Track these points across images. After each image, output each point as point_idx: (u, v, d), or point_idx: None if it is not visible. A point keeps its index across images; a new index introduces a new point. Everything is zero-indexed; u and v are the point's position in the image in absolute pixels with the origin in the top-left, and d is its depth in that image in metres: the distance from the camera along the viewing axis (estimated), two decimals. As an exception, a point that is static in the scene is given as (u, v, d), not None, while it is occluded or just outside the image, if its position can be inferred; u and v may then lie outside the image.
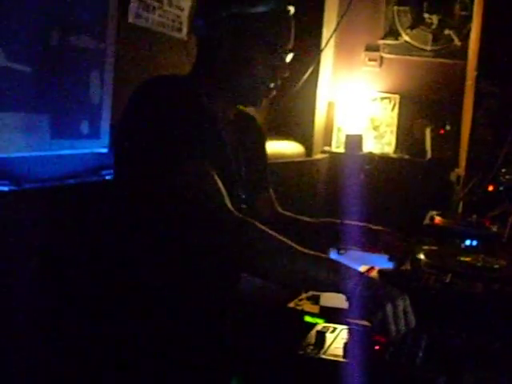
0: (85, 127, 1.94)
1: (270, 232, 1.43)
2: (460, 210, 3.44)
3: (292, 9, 1.66)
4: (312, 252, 1.43)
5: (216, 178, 1.45)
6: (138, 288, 1.57)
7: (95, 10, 1.95)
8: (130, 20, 2.20)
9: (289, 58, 1.67)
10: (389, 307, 1.35)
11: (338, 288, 1.40)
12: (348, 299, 1.40)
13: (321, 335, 1.57)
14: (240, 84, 1.63)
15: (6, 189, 1.61)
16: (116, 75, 2.07)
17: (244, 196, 1.73)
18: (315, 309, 2.06)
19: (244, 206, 1.73)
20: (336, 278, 1.39)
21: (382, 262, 1.99)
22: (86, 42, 1.91)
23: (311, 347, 1.54)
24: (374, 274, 1.85)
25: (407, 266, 1.89)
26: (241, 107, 1.80)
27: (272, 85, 1.65)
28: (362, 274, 1.45)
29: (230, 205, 1.44)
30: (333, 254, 1.86)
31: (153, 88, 1.55)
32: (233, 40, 1.61)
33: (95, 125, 1.98)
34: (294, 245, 1.42)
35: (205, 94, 1.62)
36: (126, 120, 1.56)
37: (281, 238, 1.42)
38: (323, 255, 1.44)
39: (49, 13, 1.74)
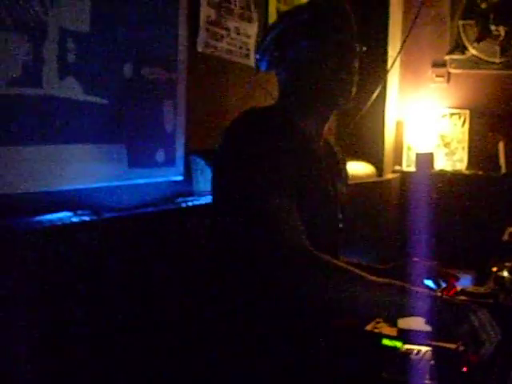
0: (160, 156, 1.98)
1: (344, 265, 1.44)
2: (539, 224, 3.33)
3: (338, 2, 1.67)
4: (382, 280, 1.42)
5: (294, 214, 1.46)
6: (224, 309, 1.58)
7: (166, 41, 1.99)
8: (200, 49, 2.24)
9: (357, 43, 1.65)
10: (473, 317, 1.32)
11: (415, 311, 1.38)
12: (428, 322, 1.38)
13: (405, 358, 1.54)
14: (319, 89, 1.63)
15: (86, 218, 1.65)
16: (188, 104, 2.10)
17: (341, 215, 1.73)
18: (393, 331, 2.03)
19: (341, 226, 1.74)
20: (411, 301, 1.37)
21: (462, 281, 1.94)
22: (158, 73, 1.95)
23: (395, 370, 1.51)
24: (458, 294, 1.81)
25: (491, 284, 1.84)
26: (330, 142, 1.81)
27: (349, 78, 1.63)
28: (434, 294, 1.43)
29: (305, 241, 1.44)
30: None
31: (246, 121, 1.57)
32: (290, 55, 1.64)
33: (170, 153, 2.02)
34: (365, 274, 1.42)
35: (296, 116, 1.65)
36: (222, 151, 1.59)
37: (353, 269, 1.43)
38: (395, 282, 1.43)
39: (122, 47, 1.79)
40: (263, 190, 1.45)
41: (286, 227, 1.44)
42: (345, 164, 1.91)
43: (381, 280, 1.42)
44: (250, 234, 1.47)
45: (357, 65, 1.66)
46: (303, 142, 1.61)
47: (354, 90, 1.66)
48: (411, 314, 1.42)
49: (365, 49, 1.67)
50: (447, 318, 1.35)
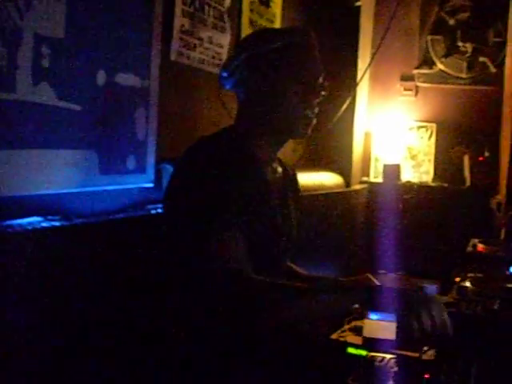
0: (131, 163, 1.99)
1: (279, 283, 1.51)
2: (502, 236, 3.41)
3: (310, 37, 1.69)
4: (317, 284, 1.53)
5: (237, 240, 1.48)
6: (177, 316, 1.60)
7: (139, 49, 2.01)
8: (173, 58, 2.26)
9: (321, 82, 1.68)
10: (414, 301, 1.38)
11: (355, 301, 1.46)
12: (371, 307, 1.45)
13: (369, 365, 1.57)
14: (279, 120, 1.67)
15: (57, 224, 1.65)
16: (160, 112, 2.12)
17: (291, 232, 1.77)
18: (358, 340, 2.05)
19: (290, 246, 1.77)
20: (348, 294, 1.45)
21: (427, 291, 1.98)
22: (132, 80, 1.97)
23: (360, 377, 1.54)
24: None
25: (454, 294, 1.88)
26: (283, 161, 1.84)
27: (310, 113, 1.68)
28: (372, 284, 1.50)
29: (243, 266, 1.46)
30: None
31: (198, 152, 1.60)
32: (257, 80, 1.66)
33: (141, 160, 2.03)
34: (299, 284, 1.53)
35: (250, 140, 1.67)
36: (173, 181, 1.62)
37: (289, 283, 1.54)
38: (327, 279, 1.50)
39: (96, 54, 1.80)
40: (210, 215, 1.47)
41: (227, 254, 1.46)
42: (297, 182, 1.94)
43: (315, 286, 1.48)
44: (193, 256, 1.49)
45: (320, 99, 1.69)
46: (253, 167, 1.62)
47: (315, 122, 1.70)
48: (351, 306, 1.48)
49: (328, 84, 1.70)
50: (385, 302, 1.40)
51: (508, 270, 2.33)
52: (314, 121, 1.70)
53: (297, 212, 1.85)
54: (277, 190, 1.72)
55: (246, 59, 1.66)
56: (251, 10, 2.85)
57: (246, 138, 1.67)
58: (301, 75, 1.65)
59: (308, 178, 3.34)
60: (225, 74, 1.72)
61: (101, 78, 1.82)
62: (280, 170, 1.80)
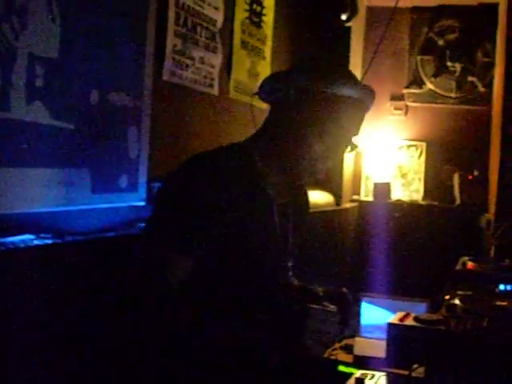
0: (123, 181, 2.00)
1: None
2: (492, 254, 3.43)
3: (370, 101, 1.67)
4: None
5: (171, 266, 1.50)
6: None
7: (132, 69, 2.03)
8: (165, 78, 2.28)
9: (352, 143, 1.65)
10: None
11: None
12: None
13: (359, 382, 1.58)
14: (290, 158, 1.63)
15: (49, 242, 1.66)
16: (152, 131, 2.14)
17: (290, 263, 1.76)
18: (349, 358, 2.06)
19: (291, 274, 1.76)
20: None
21: (417, 309, 1.99)
22: (124, 100, 1.98)
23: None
24: (409, 320, 1.86)
25: (443, 312, 1.89)
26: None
27: (320, 166, 1.63)
28: None
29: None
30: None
31: (190, 165, 1.58)
32: (297, 110, 1.60)
33: (133, 179, 2.05)
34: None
35: (263, 158, 1.64)
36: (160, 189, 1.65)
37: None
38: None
39: (89, 73, 1.82)
40: (157, 240, 1.51)
41: (157, 279, 1.50)
42: (307, 202, 1.92)
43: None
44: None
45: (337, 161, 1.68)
46: (256, 185, 1.60)
47: (320, 175, 1.66)
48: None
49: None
50: None
51: (497, 287, 2.34)
52: (320, 174, 1.65)
53: (299, 233, 1.83)
54: (279, 209, 1.69)
55: (302, 86, 1.59)
56: (243, 31, 2.88)
57: (260, 155, 1.64)
58: (338, 132, 1.61)
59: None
60: (267, 88, 1.66)
61: (94, 97, 1.84)
62: (287, 190, 1.74)
